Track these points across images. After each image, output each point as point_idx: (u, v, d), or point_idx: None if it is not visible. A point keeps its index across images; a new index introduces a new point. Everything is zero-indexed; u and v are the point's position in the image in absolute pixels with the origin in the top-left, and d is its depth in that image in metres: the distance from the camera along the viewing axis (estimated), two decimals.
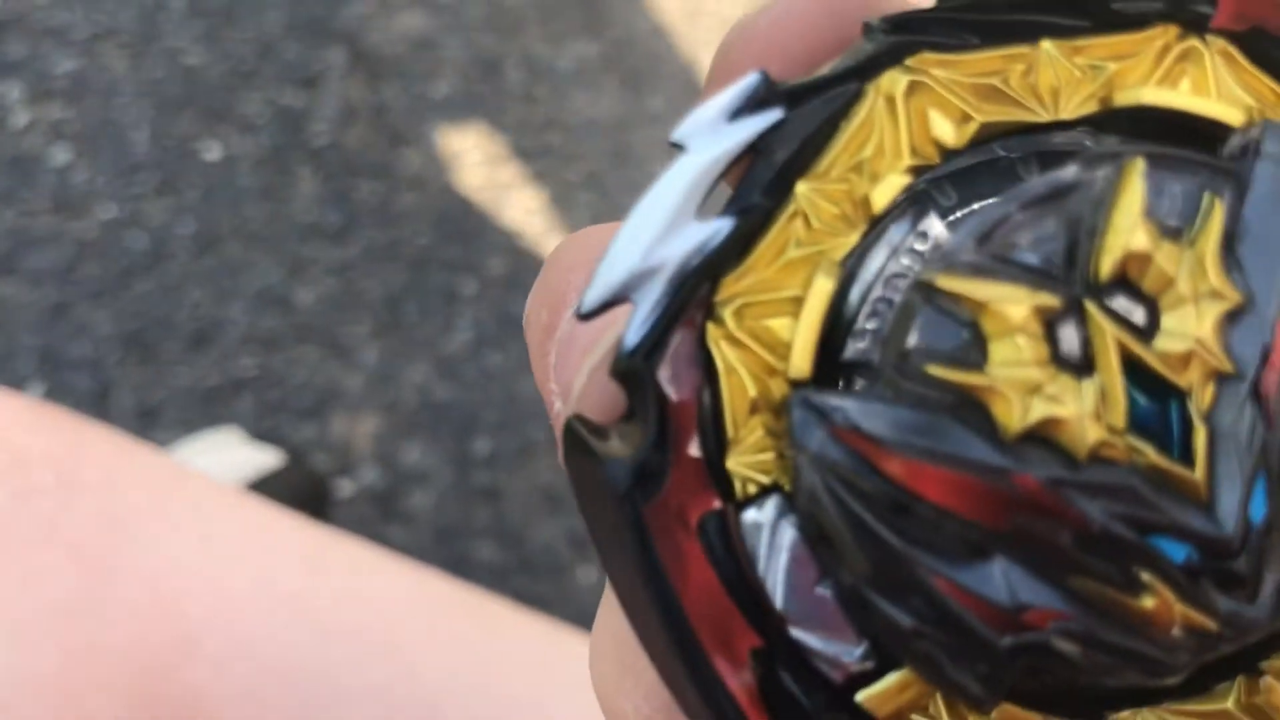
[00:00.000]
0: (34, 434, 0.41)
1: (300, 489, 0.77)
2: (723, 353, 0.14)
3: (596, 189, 1.02)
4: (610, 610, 0.16)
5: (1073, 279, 0.14)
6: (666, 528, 0.14)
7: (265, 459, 0.75)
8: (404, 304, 0.95)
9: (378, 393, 0.93)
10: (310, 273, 0.96)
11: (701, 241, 0.14)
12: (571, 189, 1.01)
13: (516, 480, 0.92)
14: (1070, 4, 0.15)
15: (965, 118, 0.15)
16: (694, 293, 0.14)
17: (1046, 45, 0.15)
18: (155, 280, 0.94)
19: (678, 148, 0.14)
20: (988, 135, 0.15)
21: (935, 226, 0.15)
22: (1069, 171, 0.14)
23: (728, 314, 0.14)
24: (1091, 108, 0.15)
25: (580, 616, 0.89)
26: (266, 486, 0.73)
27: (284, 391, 0.92)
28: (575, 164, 1.02)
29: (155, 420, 0.90)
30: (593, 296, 0.14)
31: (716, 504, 0.14)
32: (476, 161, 1.01)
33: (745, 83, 0.14)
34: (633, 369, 0.14)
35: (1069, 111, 0.15)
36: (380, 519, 0.89)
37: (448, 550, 0.89)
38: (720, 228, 0.14)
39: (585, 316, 0.15)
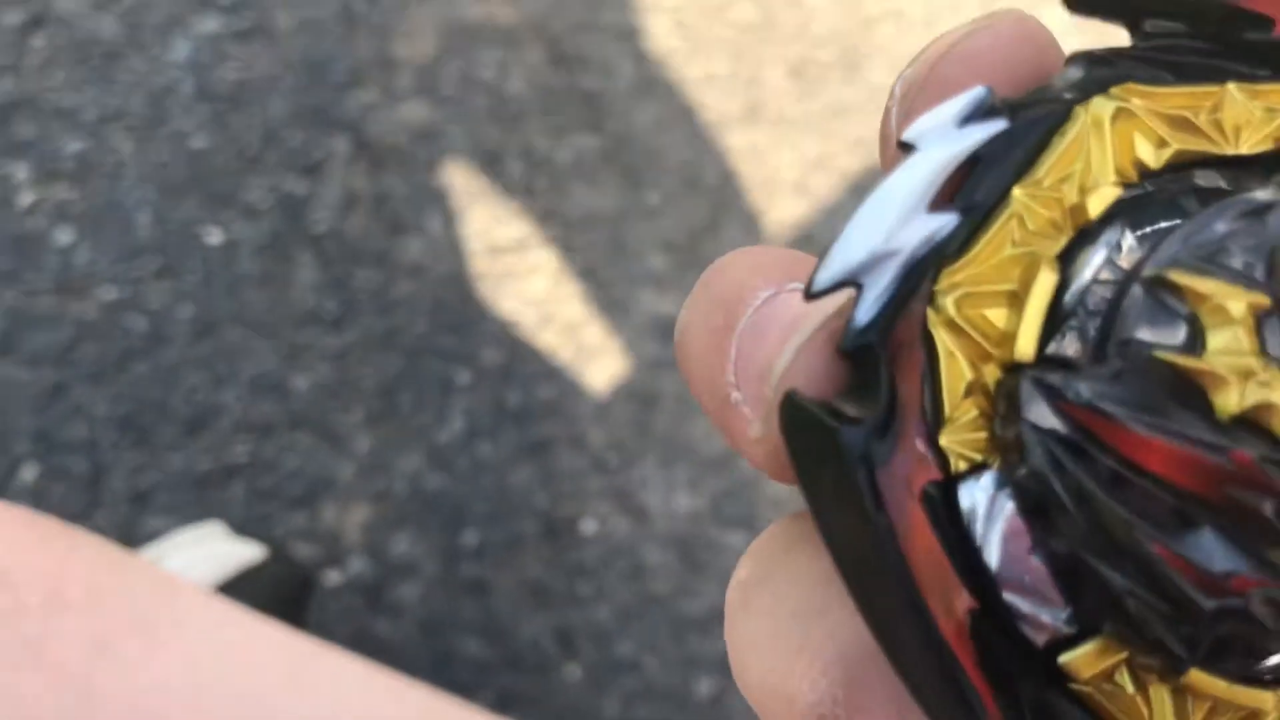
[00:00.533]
0: (21, 551, 0.41)
1: (283, 583, 0.77)
2: (942, 337, 0.16)
3: (593, 281, 1.03)
4: (766, 605, 0.17)
5: (1273, 284, 0.15)
6: (895, 492, 0.15)
7: (247, 553, 0.75)
8: (398, 393, 0.96)
9: (369, 482, 0.93)
10: (306, 359, 0.96)
11: (931, 233, 0.16)
12: (568, 280, 1.02)
13: (504, 574, 0.92)
14: (1252, 53, 0.17)
15: (1162, 143, 0.16)
16: (921, 279, 0.16)
17: (1231, 87, 0.16)
18: (152, 363, 0.95)
19: (908, 147, 0.16)
20: (1180, 161, 0.16)
21: (1132, 237, 0.16)
22: (1264, 193, 0.16)
23: (949, 302, 0.16)
24: (1268, 145, 0.17)
25: (566, 714, 0.89)
26: (248, 581, 0.73)
27: (276, 479, 0.92)
28: (573, 256, 1.03)
29: (146, 505, 0.91)
30: (826, 275, 0.16)
31: (937, 475, 0.15)
32: (474, 251, 1.02)
33: (973, 94, 0.16)
34: (866, 345, 0.16)
35: (1248, 147, 0.16)
36: (367, 610, 0.89)
37: (433, 644, 0.89)
38: (947, 222, 0.16)
39: (814, 295, 0.16)
